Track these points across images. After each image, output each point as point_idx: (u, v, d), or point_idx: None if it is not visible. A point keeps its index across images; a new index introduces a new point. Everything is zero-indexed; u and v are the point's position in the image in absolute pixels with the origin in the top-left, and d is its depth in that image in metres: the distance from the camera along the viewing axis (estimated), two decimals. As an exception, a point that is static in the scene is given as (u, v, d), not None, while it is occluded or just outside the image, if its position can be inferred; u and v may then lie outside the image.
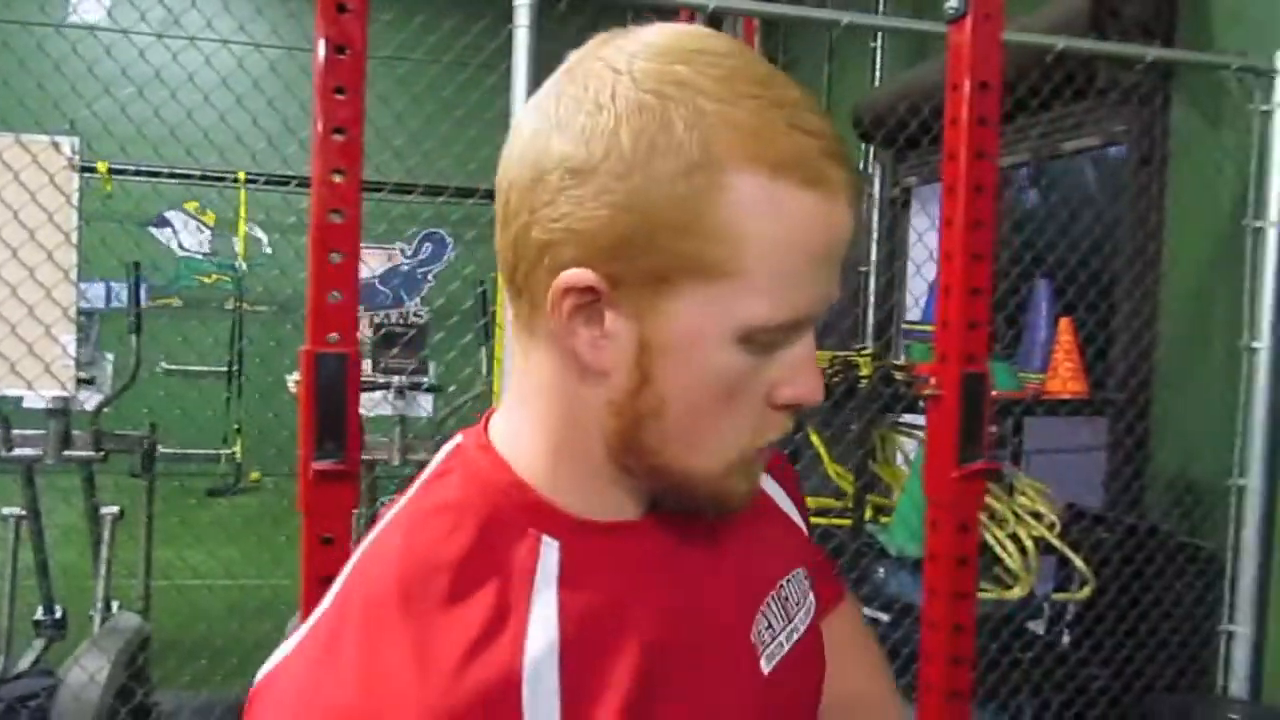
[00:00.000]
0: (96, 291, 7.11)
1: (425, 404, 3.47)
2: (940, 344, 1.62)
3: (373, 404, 3.57)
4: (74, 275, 2.21)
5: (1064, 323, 2.62)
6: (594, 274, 0.60)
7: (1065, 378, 2.57)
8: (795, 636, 0.78)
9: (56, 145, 2.19)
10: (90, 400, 3.36)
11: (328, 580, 1.36)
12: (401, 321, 3.51)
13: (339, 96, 1.39)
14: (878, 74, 4.81)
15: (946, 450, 1.55)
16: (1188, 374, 2.87)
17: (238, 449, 7.33)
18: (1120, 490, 2.86)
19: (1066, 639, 2.87)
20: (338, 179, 1.40)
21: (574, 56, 0.65)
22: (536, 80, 2.12)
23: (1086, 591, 2.58)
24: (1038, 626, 3.13)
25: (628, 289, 0.61)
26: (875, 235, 4.66)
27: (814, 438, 2.74)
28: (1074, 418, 3.11)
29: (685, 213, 0.59)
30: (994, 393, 2.62)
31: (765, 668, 0.74)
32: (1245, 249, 2.58)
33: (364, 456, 3.54)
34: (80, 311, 3.68)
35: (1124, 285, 3.01)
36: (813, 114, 0.61)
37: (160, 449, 3.66)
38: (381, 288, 8.22)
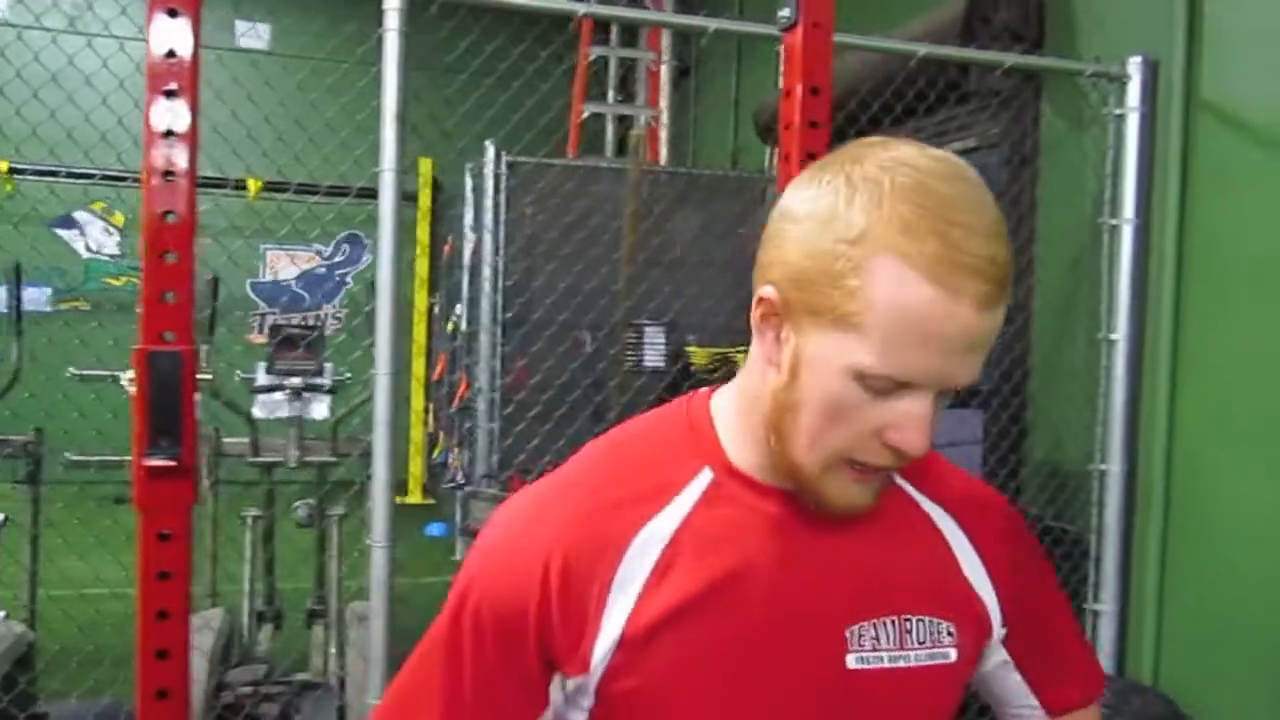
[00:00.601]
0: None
1: (323, 406, 3.46)
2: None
3: (272, 406, 3.55)
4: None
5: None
6: (778, 293, 0.82)
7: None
8: (901, 663, 0.87)
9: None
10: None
11: (164, 576, 1.37)
12: (301, 324, 3.50)
13: (170, 100, 1.40)
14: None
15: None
16: (1056, 366, 2.98)
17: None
18: (999, 479, 2.96)
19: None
20: (170, 180, 1.40)
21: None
22: (408, 81, 2.14)
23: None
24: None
25: (796, 311, 0.81)
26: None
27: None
28: (962, 410, 3.20)
29: (838, 272, 0.78)
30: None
31: (851, 663, 0.86)
32: (1103, 246, 2.69)
33: (262, 459, 3.51)
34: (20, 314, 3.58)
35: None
36: (973, 236, 0.76)
37: (67, 455, 3.61)
38: (297, 289, 8.12)
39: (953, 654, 0.89)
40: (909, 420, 0.78)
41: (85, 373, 7.41)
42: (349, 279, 8.17)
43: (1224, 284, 2.47)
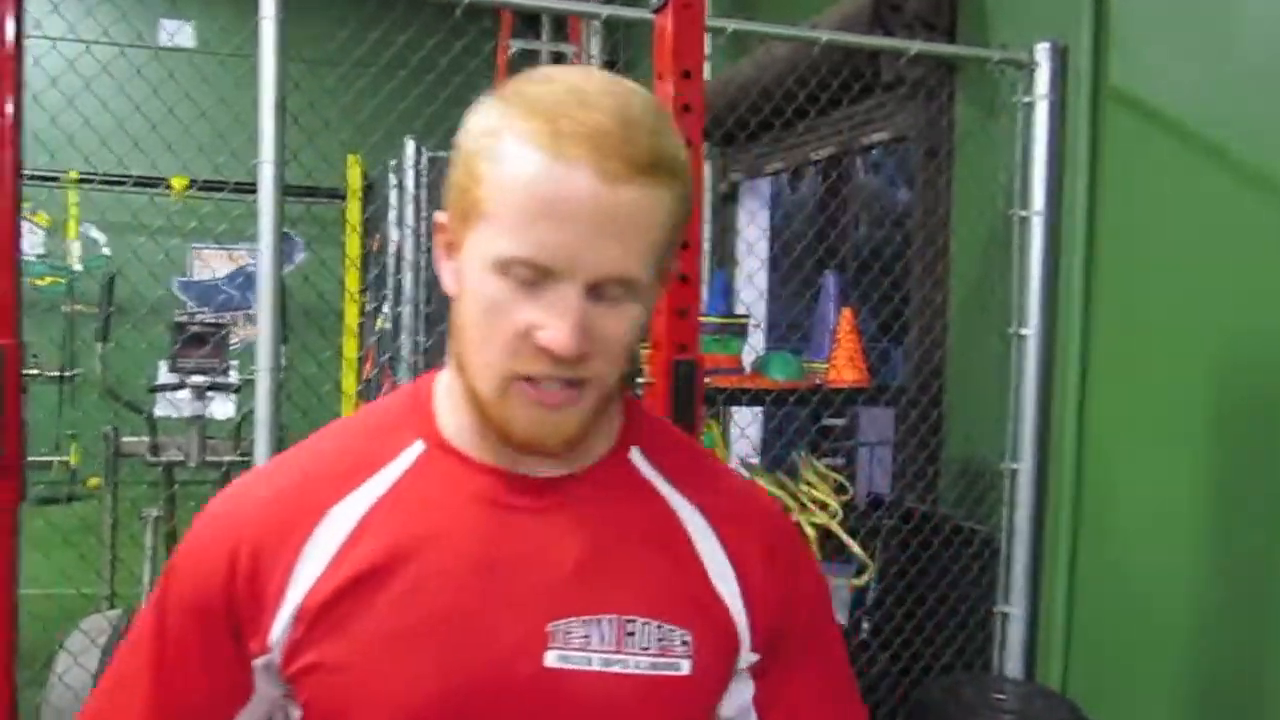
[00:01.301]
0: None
1: (228, 405, 3.37)
2: (653, 331, 1.61)
3: (176, 405, 3.44)
4: None
5: (844, 313, 2.65)
6: (446, 217, 0.81)
7: (841, 366, 2.60)
8: (617, 668, 0.80)
9: None
10: None
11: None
12: (209, 322, 3.41)
13: None
14: (707, 72, 4.84)
15: (659, 436, 1.54)
16: (970, 362, 2.95)
17: (72, 455, 7.02)
18: (911, 478, 2.92)
19: (866, 626, 2.92)
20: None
21: None
22: (285, 70, 2.08)
23: (865, 577, 2.61)
24: (841, 616, 3.18)
25: (456, 228, 0.79)
26: (708, 230, 4.69)
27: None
28: (874, 409, 3.16)
29: (472, 165, 0.78)
30: (779, 381, 2.64)
31: (550, 660, 0.79)
32: (1013, 239, 2.66)
33: (163, 459, 3.41)
34: None
35: (915, 276, 3.07)
36: (592, 111, 0.75)
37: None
38: (227, 289, 7.95)
39: (685, 666, 0.81)
40: (554, 314, 0.75)
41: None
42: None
43: (1134, 276, 2.44)
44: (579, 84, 0.77)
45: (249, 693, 0.82)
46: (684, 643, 0.82)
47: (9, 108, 1.31)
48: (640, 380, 1.60)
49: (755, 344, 3.50)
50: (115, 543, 3.52)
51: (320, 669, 0.78)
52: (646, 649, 0.81)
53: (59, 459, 7.00)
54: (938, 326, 2.94)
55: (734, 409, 3.86)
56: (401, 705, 0.78)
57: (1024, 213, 2.63)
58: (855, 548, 2.59)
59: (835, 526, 2.61)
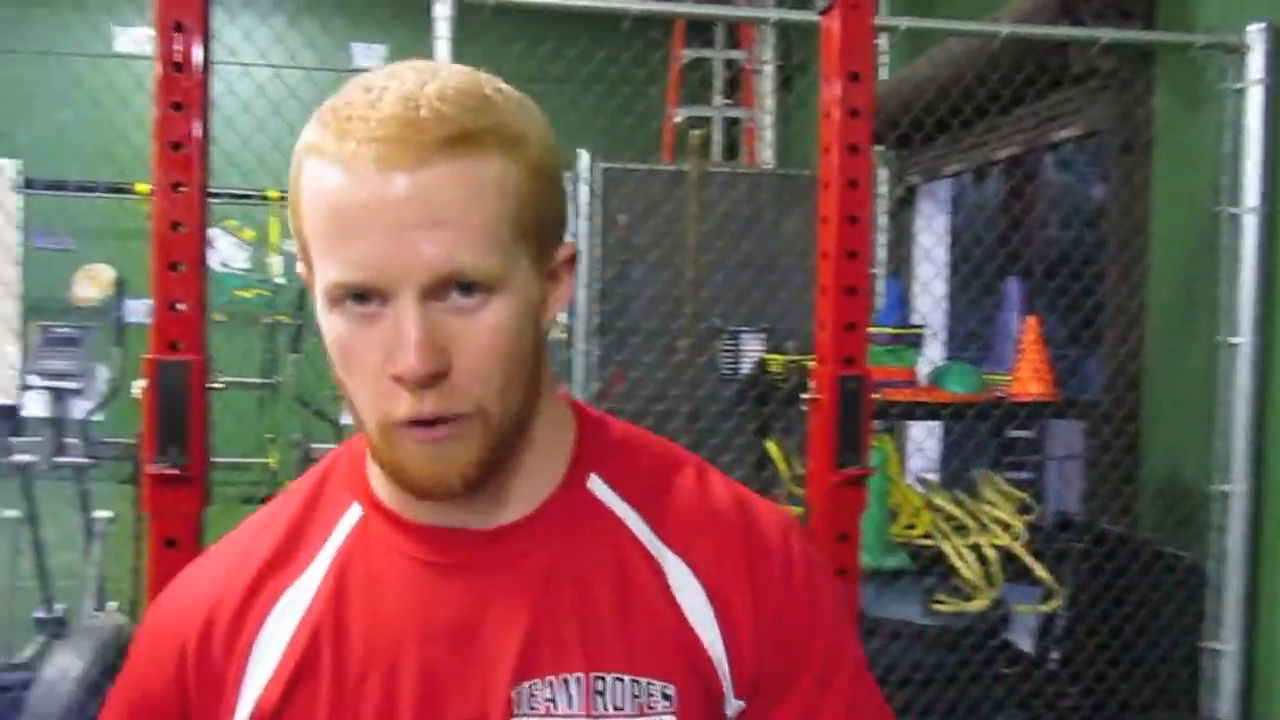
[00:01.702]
0: (140, 306, 7.27)
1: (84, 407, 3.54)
2: (818, 346, 1.54)
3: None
4: (15, 289, 2.24)
5: (1028, 321, 2.50)
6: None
7: (1024, 378, 2.45)
8: None
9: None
10: (81, 409, 3.44)
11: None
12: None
13: (177, 112, 1.37)
14: (885, 71, 4.70)
15: (825, 456, 1.47)
16: (1172, 374, 2.73)
17: (271, 458, 7.43)
18: (1104, 497, 2.73)
19: (1055, 656, 2.74)
20: (179, 192, 1.38)
21: None
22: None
23: (1053, 604, 2.45)
24: (1024, 643, 3.00)
25: (304, 269, 0.73)
26: (884, 238, 4.54)
27: (771, 447, 2.66)
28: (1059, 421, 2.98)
29: (292, 199, 0.71)
30: (957, 394, 2.52)
31: None
32: (1222, 238, 2.45)
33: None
34: (122, 326, 3.76)
35: (1109, 280, 2.88)
36: (369, 101, 0.68)
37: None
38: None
39: None
40: (396, 338, 0.67)
41: (229, 380, 7.70)
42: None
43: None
44: (379, 80, 0.70)
45: None
46: (666, 697, 0.71)
47: (197, 131, 1.37)
48: (807, 395, 1.53)
49: (933, 355, 3.36)
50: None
51: None
52: (620, 709, 0.70)
53: (260, 461, 7.42)
54: (1134, 334, 2.73)
55: (910, 423, 3.72)
56: None
57: (1234, 210, 2.41)
58: (1040, 571, 2.43)
59: (1018, 548, 2.46)
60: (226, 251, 8.22)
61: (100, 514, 3.62)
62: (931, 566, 2.40)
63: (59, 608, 3.74)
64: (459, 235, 0.66)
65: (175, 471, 1.39)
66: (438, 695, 0.71)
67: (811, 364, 1.72)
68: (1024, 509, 2.66)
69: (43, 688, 2.80)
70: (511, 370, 0.70)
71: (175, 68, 1.37)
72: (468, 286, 0.67)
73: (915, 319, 3.15)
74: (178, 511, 1.41)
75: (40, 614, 3.69)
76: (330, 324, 0.70)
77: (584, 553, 0.73)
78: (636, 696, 0.70)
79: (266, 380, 7.61)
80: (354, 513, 0.77)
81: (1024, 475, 3.71)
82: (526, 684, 0.71)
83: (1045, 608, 2.45)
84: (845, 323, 1.50)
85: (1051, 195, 3.70)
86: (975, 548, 2.42)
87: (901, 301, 2.67)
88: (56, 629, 3.68)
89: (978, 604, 2.41)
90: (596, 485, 0.76)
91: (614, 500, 0.75)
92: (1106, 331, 2.87)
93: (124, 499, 3.71)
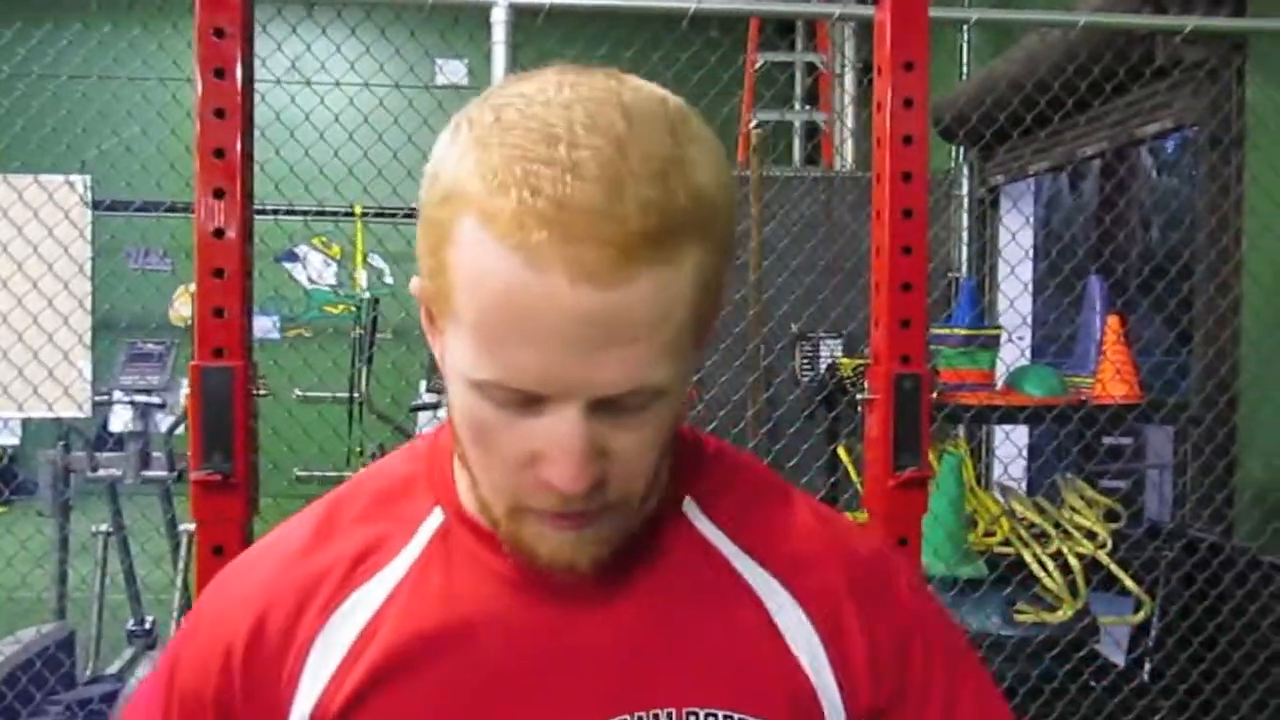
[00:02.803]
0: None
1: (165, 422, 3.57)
2: (873, 344, 1.48)
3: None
4: (88, 304, 2.31)
5: (1111, 321, 2.39)
6: (420, 285, 0.64)
7: (1107, 380, 2.34)
8: None
9: (70, 184, 2.31)
10: (164, 423, 3.53)
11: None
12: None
13: (218, 119, 1.38)
14: (965, 69, 4.58)
15: (882, 457, 1.41)
16: (1269, 374, 2.58)
17: (360, 467, 7.57)
18: (1196, 504, 2.60)
19: (1146, 669, 2.61)
20: (220, 199, 1.39)
21: None
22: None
23: (1141, 615, 2.33)
24: (1115, 655, 2.86)
25: (431, 302, 0.63)
26: (965, 238, 4.42)
27: (842, 454, 2.59)
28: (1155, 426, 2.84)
29: (434, 242, 0.59)
30: (1035, 397, 2.42)
31: None
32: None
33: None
34: None
35: (1199, 279, 2.74)
36: (574, 181, 0.55)
37: (295, 471, 3.78)
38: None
39: None
40: (554, 446, 0.59)
41: (309, 394, 7.92)
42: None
43: None
44: (556, 118, 0.57)
45: None
46: None
47: (238, 139, 1.38)
48: (864, 397, 1.47)
49: (1015, 360, 3.24)
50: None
51: None
52: None
53: (347, 474, 7.59)
54: (1225, 334, 2.60)
55: (997, 429, 3.60)
56: None
57: (1334, 202, 2.28)
58: (1128, 581, 2.32)
59: (1103, 556, 2.35)
60: (315, 268, 8.45)
61: (186, 527, 3.71)
62: (1011, 575, 2.31)
63: (149, 619, 3.83)
64: (647, 352, 0.58)
65: (219, 477, 1.39)
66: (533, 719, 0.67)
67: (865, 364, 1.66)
68: (1111, 516, 2.54)
69: (128, 699, 2.87)
70: (662, 458, 0.65)
71: (217, 74, 1.38)
72: (638, 397, 0.60)
73: (999, 321, 3.05)
74: (223, 517, 1.41)
75: (131, 626, 3.78)
76: (465, 396, 0.61)
77: (675, 581, 0.69)
78: None
79: (351, 395, 7.81)
80: (435, 518, 0.71)
81: (1119, 485, 3.57)
82: (622, 717, 0.66)
83: (1135, 618, 2.33)
84: (900, 319, 1.44)
85: (1140, 193, 3.56)
86: (1057, 555, 2.32)
87: (975, 302, 2.57)
88: (147, 640, 3.78)
89: (1061, 614, 2.31)
90: (692, 511, 0.71)
91: (707, 526, 0.71)
92: (1196, 331, 2.73)
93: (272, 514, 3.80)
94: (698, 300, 0.59)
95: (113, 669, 3.57)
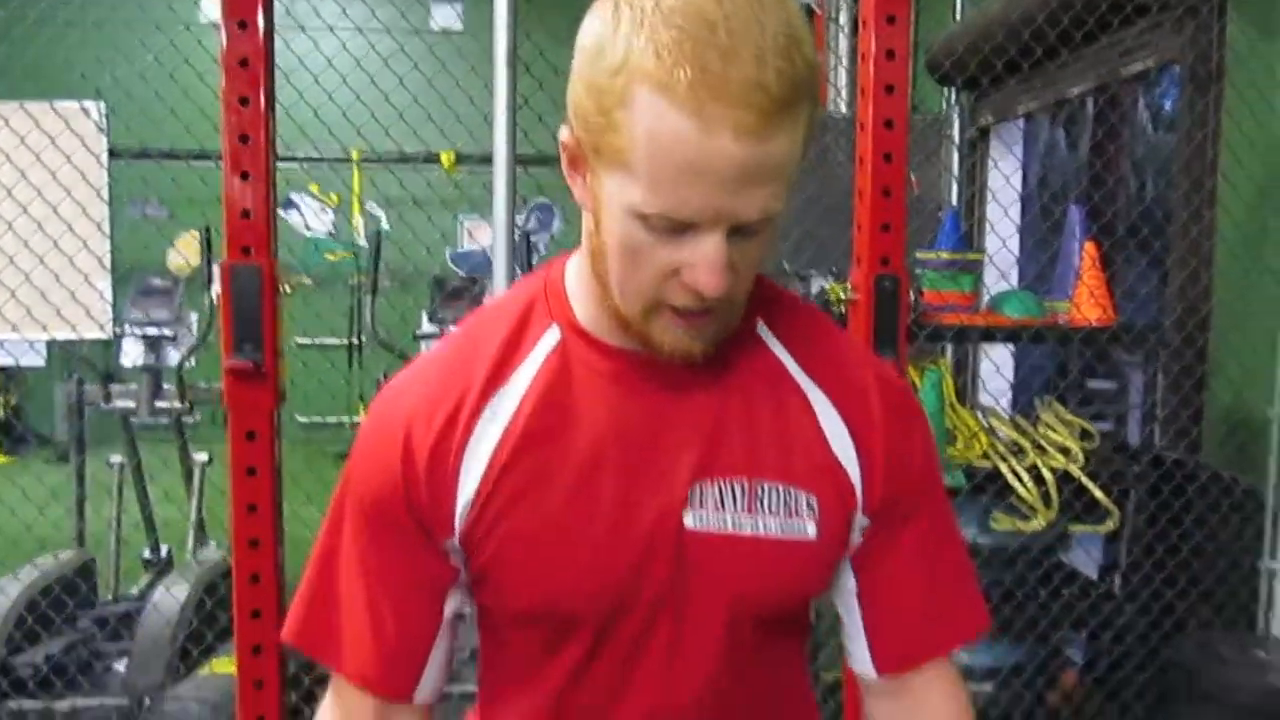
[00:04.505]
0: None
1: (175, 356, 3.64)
2: (856, 247, 1.59)
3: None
4: (105, 228, 2.40)
5: (1088, 247, 2.50)
6: (572, 135, 0.80)
7: (1083, 303, 2.45)
8: (748, 530, 0.84)
9: (85, 110, 2.39)
10: (175, 357, 3.63)
11: (253, 472, 1.47)
12: (463, 278, 3.71)
13: (243, 69, 1.48)
14: (958, 11, 4.65)
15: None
16: (1242, 306, 2.70)
17: (360, 414, 7.67)
18: (1163, 423, 2.73)
19: (1116, 579, 2.75)
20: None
21: None
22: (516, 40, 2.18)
23: (1109, 524, 2.47)
24: (1090, 568, 3.01)
25: (587, 151, 0.79)
26: (955, 176, 4.51)
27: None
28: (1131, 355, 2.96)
29: (606, 107, 0.75)
30: (1013, 319, 2.53)
31: (688, 522, 0.84)
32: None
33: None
34: (210, 274, 3.89)
35: (1178, 212, 2.85)
36: (733, 59, 0.71)
37: (297, 417, 3.85)
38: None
39: (811, 530, 0.85)
40: (700, 260, 0.76)
41: (310, 341, 8.02)
42: (541, 245, 8.41)
43: None
44: (708, 4, 0.72)
45: (452, 574, 0.88)
46: (810, 507, 0.85)
47: (262, 96, 1.49)
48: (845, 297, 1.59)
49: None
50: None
51: (496, 546, 0.84)
52: (775, 512, 0.84)
53: (350, 420, 7.67)
54: (1196, 262, 2.71)
55: (983, 355, 3.73)
56: (563, 574, 0.84)
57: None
58: (1097, 492, 2.45)
59: (1075, 470, 2.48)
60: (310, 217, 8.49)
61: (198, 456, 3.82)
62: (988, 486, 2.44)
63: (164, 547, 3.95)
64: (776, 188, 0.75)
65: (250, 366, 1.50)
66: (633, 488, 0.84)
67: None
68: (1085, 436, 2.66)
69: (152, 612, 3.01)
70: (759, 269, 0.83)
71: (240, 26, 1.48)
72: (761, 223, 0.77)
73: (982, 247, 3.15)
74: (254, 405, 1.53)
75: (148, 555, 3.89)
76: (625, 224, 0.77)
77: (752, 383, 0.86)
78: (787, 502, 0.84)
79: (352, 343, 7.89)
80: (553, 334, 0.87)
81: (1104, 425, 3.68)
82: (699, 483, 0.84)
83: (1101, 528, 2.46)
84: (881, 223, 1.55)
85: (1123, 130, 3.65)
86: (1033, 469, 2.44)
87: (958, 227, 2.67)
88: (163, 567, 3.90)
89: (1035, 524, 2.44)
90: (764, 332, 0.89)
91: (773, 343, 0.89)
92: (1171, 261, 2.85)
93: (221, 444, 3.91)
94: (804, 146, 0.76)
95: (134, 591, 3.69)
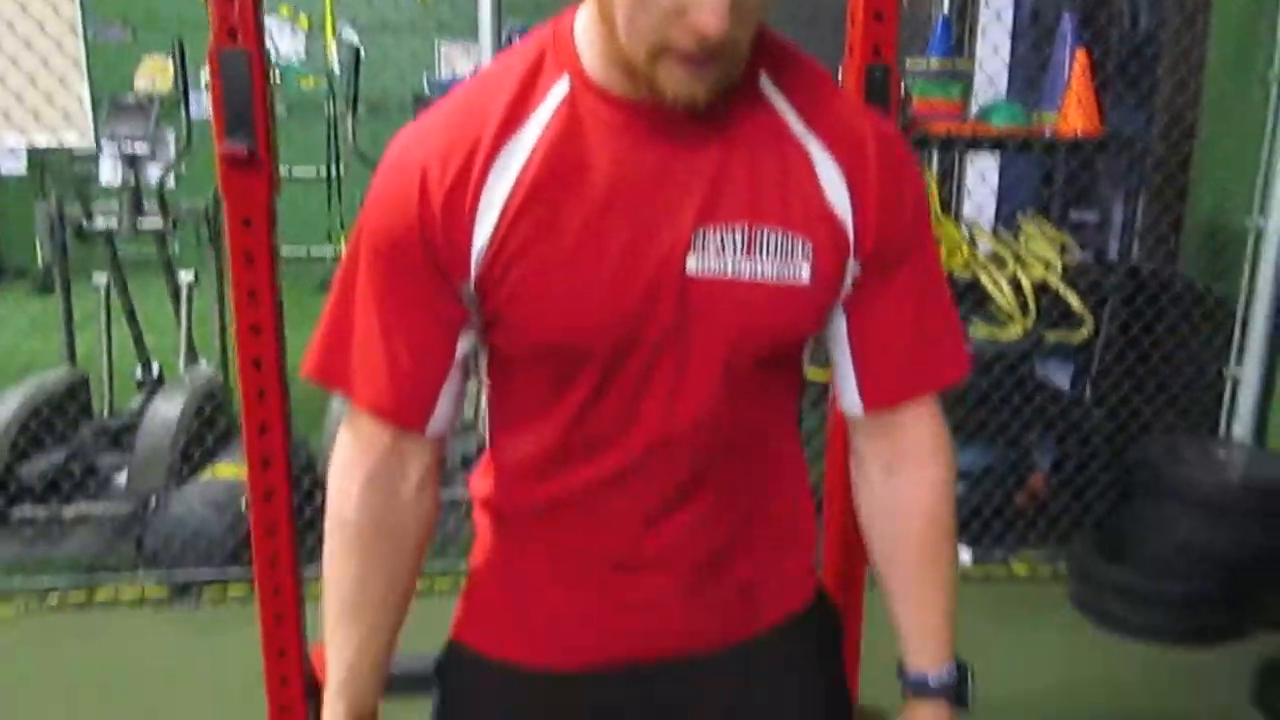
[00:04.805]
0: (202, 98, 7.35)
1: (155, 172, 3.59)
2: (849, 37, 1.58)
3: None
4: (78, 28, 2.33)
5: (1079, 55, 2.48)
6: None
7: (1070, 113, 2.45)
8: (746, 275, 0.88)
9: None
10: (154, 175, 3.58)
11: (249, 258, 1.47)
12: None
13: None
14: None
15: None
16: (1228, 117, 2.71)
17: (341, 245, 7.63)
18: (1143, 233, 2.77)
19: (1087, 385, 2.84)
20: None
21: None
22: None
23: (1083, 332, 2.54)
24: (1063, 378, 3.10)
25: None
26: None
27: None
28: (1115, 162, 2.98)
29: None
30: (1001, 127, 2.54)
31: (690, 266, 0.87)
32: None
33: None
34: (186, 91, 3.79)
35: (1171, 18, 2.82)
36: None
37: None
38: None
39: (806, 274, 0.88)
40: (705, 4, 0.78)
41: (286, 172, 7.80)
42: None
43: None
44: None
45: (464, 315, 0.91)
46: (805, 251, 0.88)
47: None
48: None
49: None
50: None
51: (511, 288, 0.88)
52: (773, 256, 0.88)
53: (330, 250, 7.63)
54: (1186, 70, 2.70)
55: (969, 163, 3.72)
56: (575, 310, 0.88)
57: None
58: (1074, 300, 2.51)
59: (1054, 280, 2.53)
60: (284, 42, 8.22)
61: (183, 275, 3.82)
62: (968, 295, 2.49)
63: (155, 364, 3.98)
64: None
65: (244, 152, 1.50)
66: (640, 232, 0.87)
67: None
68: (1064, 249, 2.71)
69: (151, 421, 3.08)
70: (760, 16, 0.84)
71: None
72: None
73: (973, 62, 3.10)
74: (249, 193, 1.53)
75: (139, 374, 3.92)
76: None
77: (753, 134, 0.89)
78: (784, 247, 0.88)
79: (330, 174, 7.76)
80: (563, 84, 0.89)
81: (1088, 219, 3.68)
82: (703, 227, 0.87)
83: (1075, 336, 2.53)
84: (874, 12, 1.54)
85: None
86: (1013, 280, 2.49)
87: (949, 35, 2.64)
88: (155, 385, 3.94)
89: (1011, 332, 2.51)
90: (765, 84, 0.91)
91: (774, 93, 0.91)
92: (1162, 65, 2.83)
93: (204, 263, 3.90)
94: None
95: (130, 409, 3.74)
